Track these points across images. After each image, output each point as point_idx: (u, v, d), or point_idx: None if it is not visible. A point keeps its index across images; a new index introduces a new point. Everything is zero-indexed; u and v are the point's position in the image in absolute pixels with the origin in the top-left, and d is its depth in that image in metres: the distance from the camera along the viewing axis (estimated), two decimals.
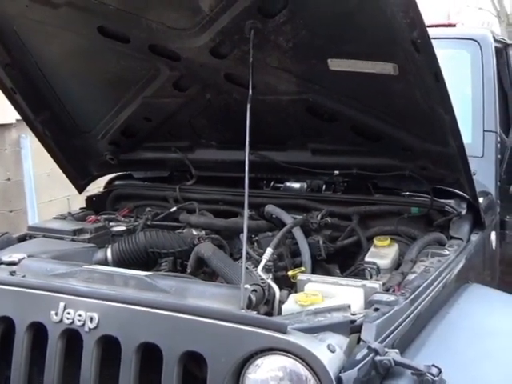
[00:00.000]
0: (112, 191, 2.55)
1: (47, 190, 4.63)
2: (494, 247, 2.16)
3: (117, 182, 2.62)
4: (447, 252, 1.74)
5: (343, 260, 2.02)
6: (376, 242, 1.90)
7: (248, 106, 1.60)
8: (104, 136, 2.35)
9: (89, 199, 2.51)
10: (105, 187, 2.65)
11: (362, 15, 1.50)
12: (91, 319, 1.37)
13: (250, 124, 1.58)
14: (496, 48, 2.51)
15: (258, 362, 1.24)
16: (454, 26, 2.70)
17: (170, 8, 1.70)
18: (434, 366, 1.19)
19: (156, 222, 2.21)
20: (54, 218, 2.31)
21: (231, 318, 1.26)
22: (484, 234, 2.05)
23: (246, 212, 1.49)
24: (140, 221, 2.20)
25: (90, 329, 1.37)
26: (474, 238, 1.95)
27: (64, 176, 4.95)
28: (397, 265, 1.82)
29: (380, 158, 1.99)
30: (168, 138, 2.30)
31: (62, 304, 1.41)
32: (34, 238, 2.07)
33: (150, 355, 1.34)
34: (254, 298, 1.46)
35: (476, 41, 2.39)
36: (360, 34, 1.57)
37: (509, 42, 2.82)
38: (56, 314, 1.41)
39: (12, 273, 1.63)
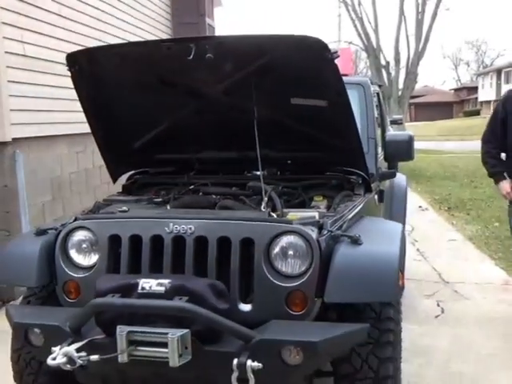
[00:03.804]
0: (136, 181, 3.86)
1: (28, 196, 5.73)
2: (377, 203, 3.76)
3: (137, 176, 3.93)
4: (355, 199, 3.28)
5: None
6: (315, 198, 3.38)
7: (255, 122, 3.03)
8: (138, 144, 3.66)
9: (123, 187, 3.80)
10: (128, 179, 3.94)
11: (312, 80, 2.98)
12: (190, 228, 2.70)
13: (257, 136, 3.00)
14: (373, 88, 4.16)
15: (277, 239, 2.65)
16: (347, 75, 4.31)
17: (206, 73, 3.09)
18: (357, 234, 2.68)
19: (179, 195, 3.55)
20: (109, 196, 3.60)
21: (266, 219, 2.70)
22: (371, 195, 3.63)
23: (261, 173, 2.94)
24: (168, 195, 3.53)
25: (190, 233, 2.69)
26: (367, 195, 3.51)
27: (39, 185, 6.09)
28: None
29: (315, 152, 3.47)
30: (182, 144, 3.66)
31: (171, 223, 2.73)
32: (107, 206, 3.35)
33: (222, 245, 2.69)
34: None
35: (361, 85, 4.02)
36: (309, 87, 3.06)
37: (380, 83, 4.50)
38: (168, 228, 2.73)
39: None
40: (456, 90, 62.69)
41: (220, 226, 2.71)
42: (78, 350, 2.47)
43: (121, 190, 3.79)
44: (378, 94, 4.53)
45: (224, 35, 3.00)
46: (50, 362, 2.46)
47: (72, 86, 3.20)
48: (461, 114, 52.89)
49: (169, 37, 10.26)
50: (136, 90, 3.32)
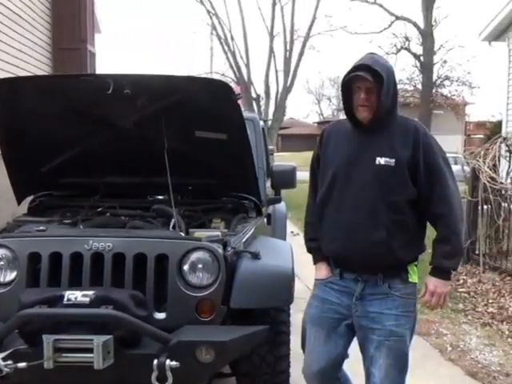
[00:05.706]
0: (41, 204, 4.03)
1: None
2: (266, 224, 4.25)
3: (41, 199, 4.09)
4: (249, 221, 3.74)
5: None
6: (214, 220, 3.79)
7: (165, 152, 3.40)
8: (46, 168, 3.86)
9: (29, 209, 3.96)
10: (31, 202, 4.09)
11: (217, 116, 3.41)
12: (108, 245, 2.98)
13: (165, 164, 3.37)
14: (260, 123, 4.69)
15: (189, 255, 3.02)
16: None
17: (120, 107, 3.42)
18: (257, 250, 3.13)
19: (87, 217, 3.79)
20: (17, 217, 3.75)
21: (179, 237, 3.06)
22: (262, 218, 4.12)
23: (172, 198, 3.30)
24: (79, 216, 3.76)
25: (108, 250, 2.97)
26: (258, 218, 3.99)
27: None
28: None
29: (213, 179, 3.90)
30: (89, 169, 3.91)
31: (91, 241, 3.00)
32: (19, 226, 3.52)
33: (138, 261, 3.01)
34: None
35: (252, 120, 4.53)
36: (214, 122, 3.49)
37: (266, 119, 5.04)
38: (88, 246, 3.00)
39: None
40: (319, 123, 66.37)
41: (137, 244, 3.03)
42: (4, 359, 2.65)
43: (24, 212, 3.94)
44: (263, 128, 5.08)
45: (141, 74, 3.35)
46: None
47: None
48: None
49: (49, 62, 10.28)
50: (50, 118, 3.54)
